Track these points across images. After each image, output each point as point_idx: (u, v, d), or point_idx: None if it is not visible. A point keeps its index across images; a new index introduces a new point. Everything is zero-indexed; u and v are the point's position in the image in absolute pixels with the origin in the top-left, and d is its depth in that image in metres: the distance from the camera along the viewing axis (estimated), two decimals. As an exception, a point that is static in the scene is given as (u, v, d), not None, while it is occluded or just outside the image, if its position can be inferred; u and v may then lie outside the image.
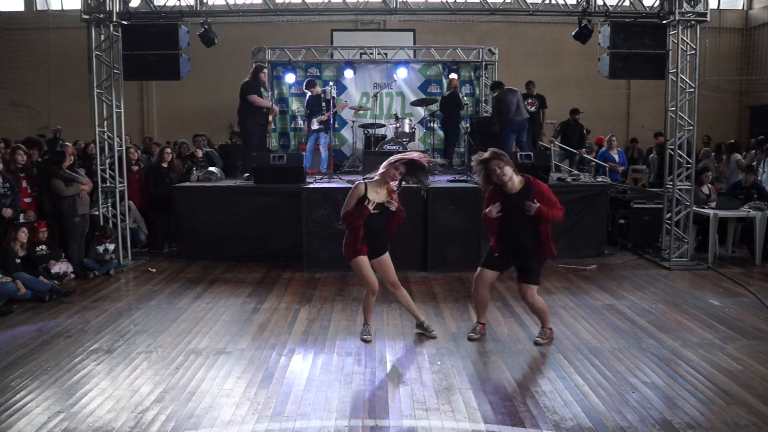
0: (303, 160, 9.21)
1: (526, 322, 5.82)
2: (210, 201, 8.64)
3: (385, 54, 12.93)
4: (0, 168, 7.19)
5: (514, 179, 5.00)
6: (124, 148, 8.58)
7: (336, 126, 12.37)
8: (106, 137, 8.42)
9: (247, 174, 9.33)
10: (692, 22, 8.15)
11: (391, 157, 5.10)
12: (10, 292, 6.39)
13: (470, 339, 5.37)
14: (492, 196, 5.12)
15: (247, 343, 5.34)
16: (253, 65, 10.41)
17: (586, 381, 4.48)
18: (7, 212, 7.05)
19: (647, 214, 9.12)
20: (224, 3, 8.81)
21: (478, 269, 5.33)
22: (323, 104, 11.12)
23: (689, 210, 8.33)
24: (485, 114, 12.72)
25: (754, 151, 10.99)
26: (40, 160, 8.58)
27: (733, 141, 12.73)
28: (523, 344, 5.28)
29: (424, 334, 5.45)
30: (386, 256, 5.27)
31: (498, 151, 5.06)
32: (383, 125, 11.45)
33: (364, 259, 5.13)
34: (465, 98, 12.26)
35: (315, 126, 11.19)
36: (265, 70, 9.94)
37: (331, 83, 12.51)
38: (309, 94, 11.44)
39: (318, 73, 12.80)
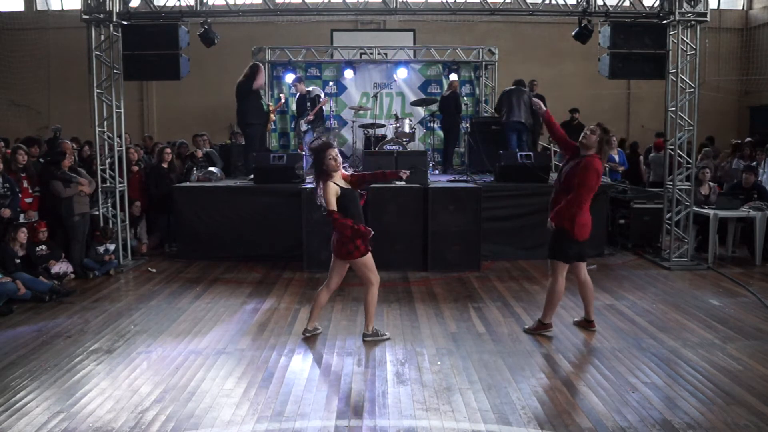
0: (303, 160, 9.21)
1: (526, 322, 5.81)
2: (210, 201, 8.64)
3: (385, 54, 12.95)
4: (0, 168, 7.18)
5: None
6: (124, 148, 8.58)
7: (335, 126, 12.39)
8: (106, 137, 8.42)
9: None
10: (692, 22, 8.14)
11: (319, 158, 5.02)
12: (10, 292, 6.39)
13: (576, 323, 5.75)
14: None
15: (247, 343, 5.34)
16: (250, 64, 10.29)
17: (586, 381, 4.48)
18: (6, 212, 7.04)
19: (647, 214, 9.12)
20: (224, 3, 8.80)
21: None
22: (308, 104, 11.10)
23: (689, 210, 8.33)
24: (485, 114, 12.74)
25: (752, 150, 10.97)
26: (41, 159, 8.59)
27: (739, 141, 12.69)
28: (524, 344, 5.28)
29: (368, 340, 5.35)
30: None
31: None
32: (383, 125, 11.45)
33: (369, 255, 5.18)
34: (465, 98, 12.28)
35: (304, 127, 11.19)
36: (262, 70, 9.87)
37: (331, 83, 12.54)
38: (297, 94, 11.45)
39: (318, 73, 12.82)
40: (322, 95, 11.59)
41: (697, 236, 8.83)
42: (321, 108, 11.09)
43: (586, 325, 5.62)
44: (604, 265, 8.28)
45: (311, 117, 10.97)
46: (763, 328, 5.69)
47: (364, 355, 5.03)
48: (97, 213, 8.29)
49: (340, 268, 5.29)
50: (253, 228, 8.53)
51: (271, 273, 7.93)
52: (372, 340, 5.29)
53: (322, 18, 11.68)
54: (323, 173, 5.00)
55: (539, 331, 5.51)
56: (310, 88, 11.55)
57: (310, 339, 5.41)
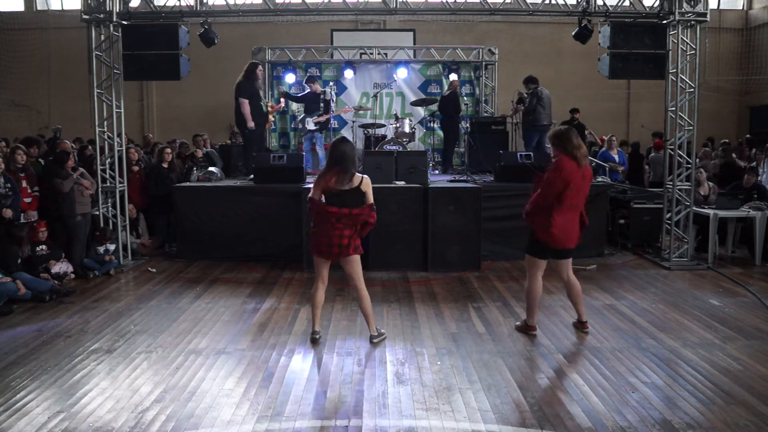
0: (303, 160, 9.21)
1: (526, 322, 5.81)
2: (210, 201, 8.63)
3: (385, 54, 12.96)
4: (1, 168, 7.18)
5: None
6: (124, 148, 8.58)
7: (336, 126, 12.39)
8: (106, 137, 8.42)
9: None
10: (692, 22, 8.14)
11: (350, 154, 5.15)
12: (11, 292, 6.39)
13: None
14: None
15: (247, 343, 5.34)
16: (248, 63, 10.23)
17: (586, 381, 4.48)
18: (7, 213, 7.04)
19: (647, 214, 9.12)
20: (224, 3, 8.80)
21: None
22: (321, 104, 11.08)
23: (689, 210, 8.33)
24: (485, 114, 12.74)
25: (754, 150, 10.98)
26: (41, 159, 8.58)
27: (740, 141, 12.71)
28: (524, 344, 5.28)
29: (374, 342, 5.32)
30: None
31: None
32: (383, 125, 11.45)
33: None
34: (465, 98, 12.27)
35: (311, 126, 11.14)
36: (260, 68, 9.83)
37: (331, 83, 12.53)
38: (308, 90, 11.41)
39: (318, 73, 12.81)
40: (333, 101, 11.52)
41: (697, 236, 8.82)
42: (330, 115, 11.12)
43: (579, 326, 5.58)
44: (604, 265, 8.29)
45: (323, 119, 10.94)
46: (763, 328, 5.69)
47: (364, 355, 5.03)
48: (97, 213, 8.29)
49: (327, 265, 5.29)
50: (253, 228, 8.53)
51: (271, 273, 7.93)
52: (379, 340, 5.29)
53: (322, 18, 11.69)
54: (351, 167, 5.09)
55: (525, 331, 5.52)
56: (325, 89, 11.55)
57: (310, 339, 5.40)
